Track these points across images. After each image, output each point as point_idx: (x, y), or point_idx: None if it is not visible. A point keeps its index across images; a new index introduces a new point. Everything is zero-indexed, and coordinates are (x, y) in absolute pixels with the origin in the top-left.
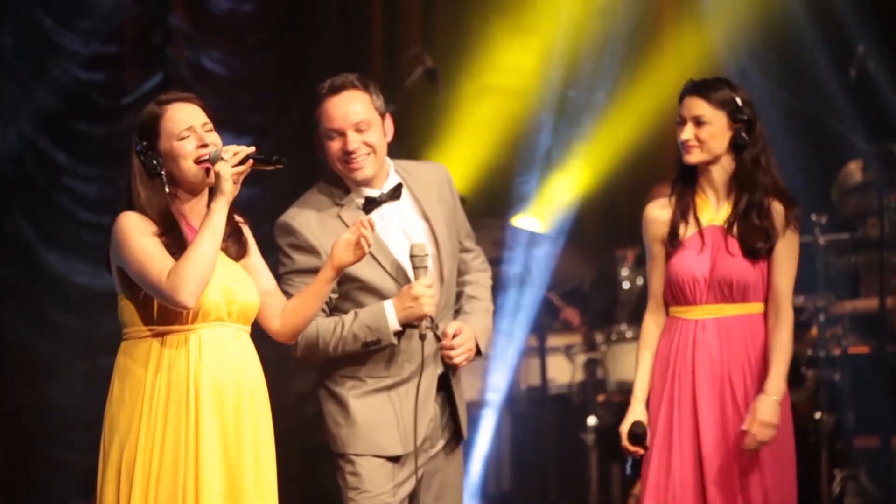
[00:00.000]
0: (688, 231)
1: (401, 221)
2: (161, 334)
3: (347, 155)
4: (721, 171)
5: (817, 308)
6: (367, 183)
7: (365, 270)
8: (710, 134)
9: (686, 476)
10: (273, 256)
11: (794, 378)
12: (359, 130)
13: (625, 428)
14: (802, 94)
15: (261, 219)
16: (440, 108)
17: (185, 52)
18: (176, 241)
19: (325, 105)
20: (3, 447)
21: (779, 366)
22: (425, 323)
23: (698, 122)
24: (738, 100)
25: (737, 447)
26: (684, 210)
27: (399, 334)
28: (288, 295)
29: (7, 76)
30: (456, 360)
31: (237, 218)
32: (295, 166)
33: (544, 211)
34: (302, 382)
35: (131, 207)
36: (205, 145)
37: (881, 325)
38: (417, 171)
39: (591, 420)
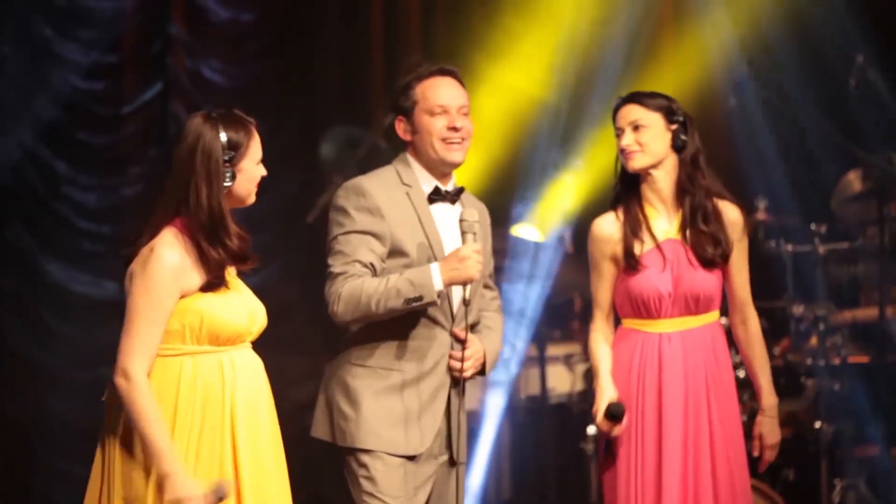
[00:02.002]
0: (644, 247)
1: (454, 223)
2: (191, 353)
3: (451, 131)
4: (665, 178)
5: (817, 317)
6: (442, 173)
7: (417, 252)
8: (649, 136)
9: (649, 486)
10: (272, 263)
11: (794, 387)
12: (461, 114)
13: (600, 408)
14: (802, 103)
15: (259, 227)
16: None
17: (184, 62)
18: (216, 279)
19: (432, 82)
20: (3, 456)
21: (767, 380)
22: (469, 287)
23: (636, 127)
24: (671, 103)
25: (697, 460)
26: (634, 225)
27: (440, 296)
28: (340, 254)
29: (6, 85)
30: (465, 367)
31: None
32: (295, 174)
33: (544, 220)
34: (303, 391)
35: (176, 214)
36: (263, 176)
37: (881, 335)
38: (466, 193)
39: (591, 429)
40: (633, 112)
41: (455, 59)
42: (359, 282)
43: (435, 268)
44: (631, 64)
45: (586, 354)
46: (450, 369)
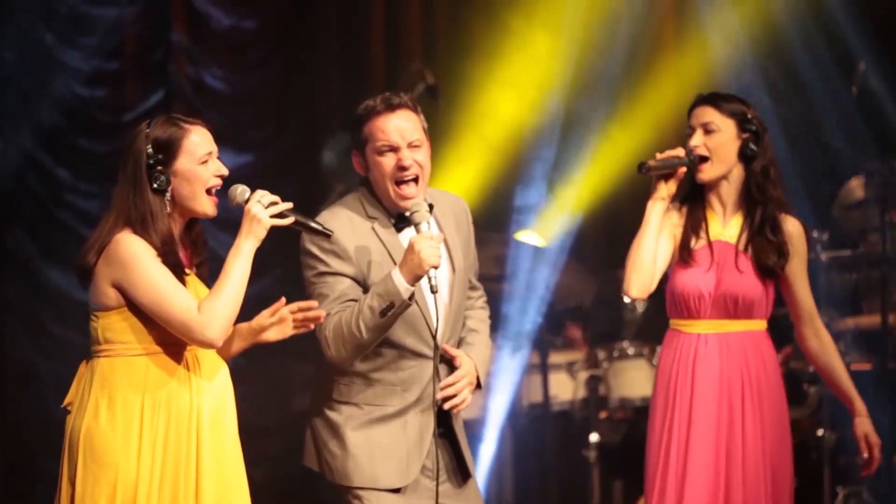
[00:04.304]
0: (698, 243)
1: None
2: (156, 353)
3: (401, 171)
4: (730, 187)
5: None
6: (398, 208)
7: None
8: (718, 142)
9: (673, 487)
10: (274, 270)
11: (797, 395)
12: (412, 148)
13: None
14: (804, 110)
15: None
16: (441, 123)
17: (186, 69)
18: (175, 266)
19: (377, 121)
20: (5, 461)
21: (850, 385)
22: (432, 274)
23: (707, 130)
24: (748, 112)
25: (728, 464)
26: (696, 225)
27: (412, 297)
28: (321, 297)
29: (9, 92)
30: (462, 397)
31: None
32: (297, 181)
33: (546, 227)
34: (305, 399)
35: (127, 222)
36: (220, 176)
37: (883, 342)
38: (440, 198)
39: (593, 437)
40: (708, 114)
41: (456, 65)
42: (337, 318)
43: (394, 271)
44: (634, 70)
45: (588, 362)
46: (442, 401)
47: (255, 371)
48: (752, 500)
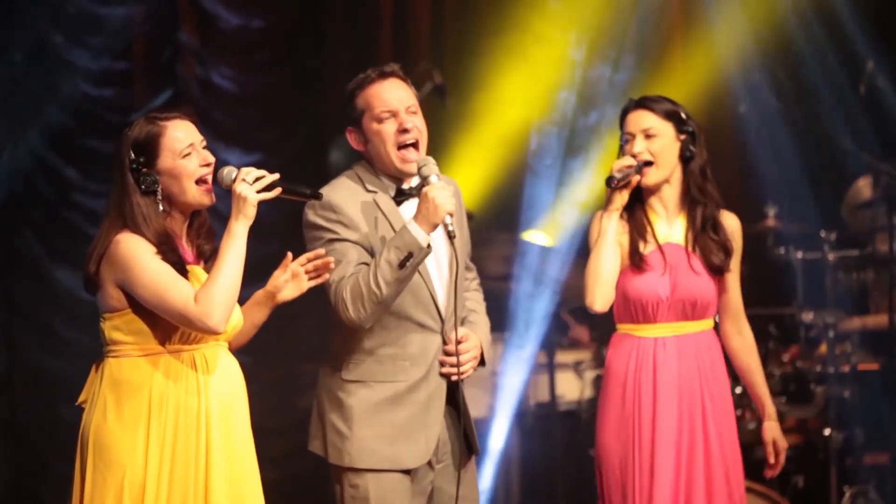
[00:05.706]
0: (647, 248)
1: None
2: (162, 353)
3: (403, 133)
4: (671, 190)
5: (826, 324)
6: (401, 174)
7: None
8: (660, 146)
9: (643, 492)
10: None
11: (804, 394)
12: (409, 113)
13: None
14: (812, 110)
15: (267, 235)
16: (449, 123)
17: (194, 69)
18: (175, 263)
19: (373, 89)
20: (13, 464)
21: (765, 387)
22: (447, 221)
23: (648, 135)
24: (682, 113)
25: (690, 467)
26: (640, 228)
27: (430, 245)
28: (333, 264)
29: (17, 92)
30: (464, 367)
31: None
32: (305, 180)
33: (554, 226)
34: (309, 400)
35: (124, 225)
36: (207, 164)
37: (890, 342)
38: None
39: None
40: (646, 119)
41: (463, 67)
42: (353, 279)
43: (410, 222)
44: (642, 70)
45: (595, 361)
46: (445, 373)
47: (260, 371)
48: (717, 496)
